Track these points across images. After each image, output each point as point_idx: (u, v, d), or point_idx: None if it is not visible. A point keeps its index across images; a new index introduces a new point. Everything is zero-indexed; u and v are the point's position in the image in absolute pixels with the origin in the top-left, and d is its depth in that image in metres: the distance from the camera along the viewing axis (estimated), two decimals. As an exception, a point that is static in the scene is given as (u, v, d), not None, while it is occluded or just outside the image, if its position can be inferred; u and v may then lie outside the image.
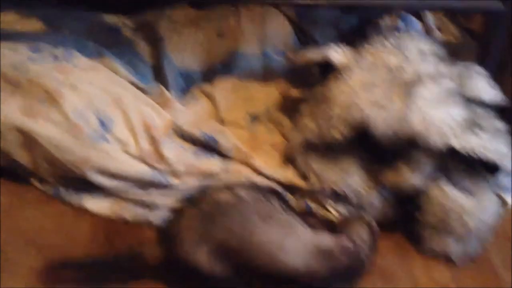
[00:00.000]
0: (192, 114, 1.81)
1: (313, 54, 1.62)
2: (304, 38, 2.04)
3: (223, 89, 1.91)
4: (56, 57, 1.72)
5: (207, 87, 1.93)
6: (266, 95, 1.90)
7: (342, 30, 2.07)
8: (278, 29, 2.03)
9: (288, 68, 1.89)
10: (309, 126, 1.59)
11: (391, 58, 1.59)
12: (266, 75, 1.94)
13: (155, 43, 2.03)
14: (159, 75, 1.93)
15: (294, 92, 1.88)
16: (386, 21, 2.11)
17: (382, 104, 1.49)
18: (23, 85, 1.62)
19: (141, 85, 1.81)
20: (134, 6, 2.18)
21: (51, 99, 1.58)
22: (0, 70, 1.62)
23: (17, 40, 1.76)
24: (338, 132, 1.51)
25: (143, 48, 2.02)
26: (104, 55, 1.83)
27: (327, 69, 1.63)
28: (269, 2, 1.84)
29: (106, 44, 1.91)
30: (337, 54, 1.59)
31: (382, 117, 1.48)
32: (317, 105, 1.61)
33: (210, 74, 1.98)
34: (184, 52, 2.01)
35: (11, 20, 1.97)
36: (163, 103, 1.77)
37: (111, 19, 2.12)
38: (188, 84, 1.97)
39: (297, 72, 1.86)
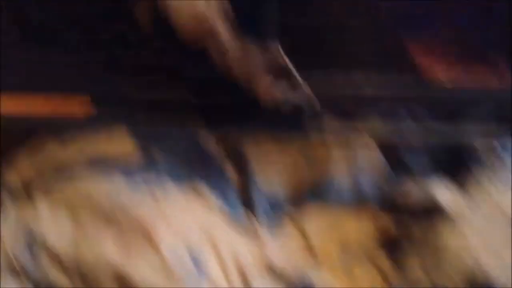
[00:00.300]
0: (282, 246, 1.73)
1: (416, 194, 1.52)
2: (397, 163, 1.96)
3: (313, 218, 1.83)
4: (150, 187, 1.72)
5: (296, 216, 1.86)
6: (360, 227, 1.80)
7: (437, 155, 1.97)
8: (370, 154, 1.96)
9: (383, 200, 1.79)
10: (416, 271, 1.47)
11: (504, 198, 1.47)
12: (358, 205, 1.85)
13: (241, 166, 2.00)
14: (246, 201, 1.88)
15: (391, 226, 1.76)
16: (482, 144, 2.00)
17: (500, 253, 1.36)
18: (118, 218, 1.61)
19: (231, 215, 1.77)
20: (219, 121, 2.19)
21: (147, 235, 1.56)
22: (96, 201, 1.63)
23: (110, 166, 1.79)
24: (451, 282, 1.38)
25: (231, 171, 2.00)
26: (196, 181, 1.82)
27: (432, 209, 1.52)
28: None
29: (198, 167, 1.92)
30: (445, 194, 1.48)
31: (501, 267, 1.34)
32: (423, 248, 1.49)
33: (298, 201, 1.91)
34: (272, 177, 1.97)
35: (102, 140, 2.02)
36: (253, 235, 1.73)
37: (202, 137, 2.12)
38: (276, 211, 1.91)
39: (394, 205, 1.76)
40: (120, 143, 2.00)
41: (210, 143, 2.12)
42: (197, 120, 2.11)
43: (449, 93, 1.45)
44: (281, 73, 1.77)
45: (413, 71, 1.45)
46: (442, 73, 1.48)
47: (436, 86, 1.41)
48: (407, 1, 1.48)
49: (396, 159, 1.97)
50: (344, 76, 1.75)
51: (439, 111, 1.53)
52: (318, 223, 1.82)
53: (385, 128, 1.97)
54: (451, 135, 2.04)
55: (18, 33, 1.86)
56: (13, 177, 1.94)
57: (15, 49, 1.90)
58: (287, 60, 1.68)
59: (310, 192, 1.91)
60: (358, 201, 1.86)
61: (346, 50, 1.93)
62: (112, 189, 1.68)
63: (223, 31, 1.78)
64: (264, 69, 1.52)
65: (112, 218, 1.61)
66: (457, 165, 1.74)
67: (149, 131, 2.05)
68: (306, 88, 1.41)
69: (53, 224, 1.66)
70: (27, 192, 1.82)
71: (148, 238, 1.54)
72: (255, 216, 1.80)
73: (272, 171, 1.98)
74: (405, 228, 1.66)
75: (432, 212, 1.50)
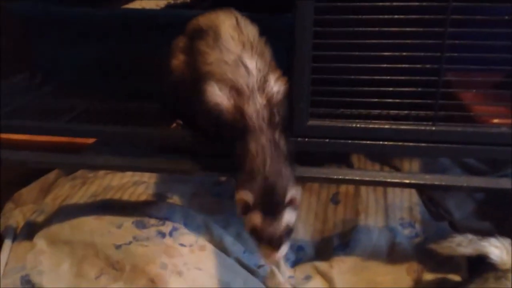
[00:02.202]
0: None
1: (465, 249, 1.34)
2: (434, 207, 1.78)
3: (342, 269, 1.65)
4: (163, 235, 1.59)
5: (322, 265, 1.68)
6: (394, 278, 1.61)
7: (480, 199, 1.79)
8: (403, 198, 1.79)
9: (422, 251, 1.61)
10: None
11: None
12: (392, 253, 1.67)
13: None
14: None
15: (430, 278, 1.57)
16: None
17: None
18: (127, 270, 1.48)
19: (250, 266, 1.61)
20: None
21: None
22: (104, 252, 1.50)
23: (122, 213, 1.66)
24: None
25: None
26: (212, 229, 1.67)
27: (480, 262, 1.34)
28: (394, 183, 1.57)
29: (212, 210, 1.78)
30: (497, 250, 1.30)
31: None
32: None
33: (325, 247, 1.74)
34: (296, 221, 1.80)
35: (116, 185, 1.89)
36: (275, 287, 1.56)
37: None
38: (300, 257, 1.74)
39: (433, 255, 1.57)
40: (133, 188, 1.88)
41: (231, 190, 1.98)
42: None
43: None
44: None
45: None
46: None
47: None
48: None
49: (434, 201, 1.80)
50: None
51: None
52: (347, 276, 1.63)
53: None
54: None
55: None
56: (15, 216, 1.84)
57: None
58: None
59: (338, 239, 1.74)
60: (392, 249, 1.67)
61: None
62: (123, 241, 1.55)
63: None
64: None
65: (122, 271, 1.48)
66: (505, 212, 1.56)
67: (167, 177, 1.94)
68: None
69: (52, 269, 1.54)
70: (28, 233, 1.72)
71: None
72: (278, 267, 1.63)
73: (297, 217, 1.82)
74: (448, 286, 1.47)
75: (481, 268, 1.32)
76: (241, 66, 1.25)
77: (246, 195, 1.15)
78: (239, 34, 1.30)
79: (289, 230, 1.18)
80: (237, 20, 1.33)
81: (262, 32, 1.34)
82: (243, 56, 1.26)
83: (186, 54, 1.39)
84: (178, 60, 1.42)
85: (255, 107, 1.22)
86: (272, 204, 1.15)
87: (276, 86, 1.26)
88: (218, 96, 1.24)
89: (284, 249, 1.18)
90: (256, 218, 1.16)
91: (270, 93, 1.25)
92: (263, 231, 1.16)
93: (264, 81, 1.25)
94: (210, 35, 1.31)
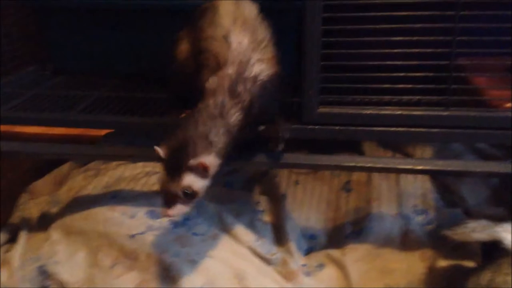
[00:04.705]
0: (320, 286, 1.55)
1: (479, 235, 1.33)
2: (448, 194, 1.76)
3: (355, 257, 1.65)
4: (176, 224, 1.60)
5: (335, 253, 1.67)
6: (408, 266, 1.60)
7: (494, 185, 1.77)
8: (416, 185, 1.78)
9: (435, 238, 1.60)
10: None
11: None
12: (405, 241, 1.66)
13: (276, 199, 1.85)
14: (280, 236, 1.72)
15: (444, 264, 1.56)
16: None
17: None
18: (141, 259, 1.49)
19: (263, 254, 1.61)
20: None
21: (170, 278, 1.43)
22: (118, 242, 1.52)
23: (135, 204, 1.68)
24: None
25: (263, 204, 1.84)
26: (224, 218, 1.68)
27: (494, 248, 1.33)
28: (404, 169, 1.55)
29: (224, 200, 1.79)
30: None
31: None
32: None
33: (337, 235, 1.74)
34: (308, 209, 1.81)
35: (128, 176, 1.91)
36: (288, 275, 1.57)
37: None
38: (312, 246, 1.74)
39: (447, 242, 1.56)
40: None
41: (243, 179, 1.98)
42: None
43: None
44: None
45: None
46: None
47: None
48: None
49: (447, 188, 1.79)
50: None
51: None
52: (360, 263, 1.63)
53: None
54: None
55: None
56: (30, 208, 1.86)
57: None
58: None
59: (351, 227, 1.74)
60: (405, 237, 1.66)
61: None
62: (137, 230, 1.57)
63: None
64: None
65: (136, 260, 1.49)
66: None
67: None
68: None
69: (67, 259, 1.57)
70: (43, 224, 1.74)
71: (171, 280, 1.41)
72: (291, 255, 1.63)
73: (308, 202, 1.83)
74: (462, 272, 1.46)
75: (495, 254, 1.31)
76: (225, 42, 1.27)
77: (159, 149, 1.18)
78: (235, 10, 1.31)
79: (190, 194, 1.17)
80: None
81: (271, 17, 1.33)
82: (231, 30, 1.28)
83: (189, 42, 1.40)
84: (182, 48, 1.42)
85: (222, 75, 1.24)
86: (174, 164, 1.17)
87: (258, 66, 1.27)
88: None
89: (180, 209, 1.18)
90: (161, 175, 1.19)
91: (248, 71, 1.25)
92: (161, 188, 1.19)
93: (246, 59, 1.25)
94: (211, 11, 1.33)
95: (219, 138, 1.20)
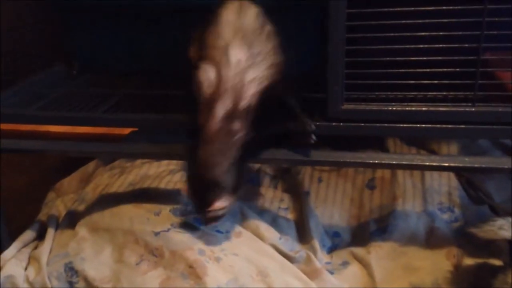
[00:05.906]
0: (344, 285, 1.55)
1: (507, 232, 1.31)
2: (474, 191, 1.74)
3: (379, 254, 1.63)
4: (200, 222, 1.60)
5: (359, 251, 1.67)
6: (433, 264, 1.58)
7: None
8: (442, 182, 1.76)
9: (460, 232, 1.58)
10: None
11: None
12: (431, 238, 1.64)
13: (299, 196, 1.84)
14: (304, 234, 1.72)
15: (470, 262, 1.54)
16: None
17: None
18: (166, 256, 1.50)
19: (287, 251, 1.61)
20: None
21: (195, 275, 1.44)
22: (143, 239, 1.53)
23: (160, 201, 1.69)
24: None
25: (286, 202, 1.84)
26: (248, 216, 1.68)
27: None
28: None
29: (247, 197, 1.79)
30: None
31: None
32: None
33: (361, 233, 1.73)
34: (331, 207, 1.80)
35: (152, 174, 1.93)
36: (311, 273, 1.56)
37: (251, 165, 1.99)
38: (336, 243, 1.74)
39: (473, 239, 1.53)
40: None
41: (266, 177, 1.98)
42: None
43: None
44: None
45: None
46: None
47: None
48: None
49: (473, 184, 1.76)
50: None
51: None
52: (384, 261, 1.61)
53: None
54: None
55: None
56: (57, 205, 1.90)
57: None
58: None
59: (375, 224, 1.72)
60: (431, 234, 1.65)
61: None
62: (162, 227, 1.58)
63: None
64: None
65: (161, 257, 1.51)
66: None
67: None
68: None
69: (94, 256, 1.59)
70: (70, 222, 1.78)
71: (196, 278, 1.42)
72: (315, 253, 1.63)
73: (332, 200, 1.82)
74: (489, 270, 1.43)
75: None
76: (224, 56, 1.27)
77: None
78: (236, 20, 1.30)
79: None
80: (240, 4, 1.33)
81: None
82: (230, 44, 1.27)
83: (200, 42, 1.41)
84: (194, 48, 1.43)
85: (223, 107, 1.26)
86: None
87: (252, 87, 1.27)
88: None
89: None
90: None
91: (243, 101, 1.27)
92: None
93: (240, 85, 1.27)
94: (216, 18, 1.32)
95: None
